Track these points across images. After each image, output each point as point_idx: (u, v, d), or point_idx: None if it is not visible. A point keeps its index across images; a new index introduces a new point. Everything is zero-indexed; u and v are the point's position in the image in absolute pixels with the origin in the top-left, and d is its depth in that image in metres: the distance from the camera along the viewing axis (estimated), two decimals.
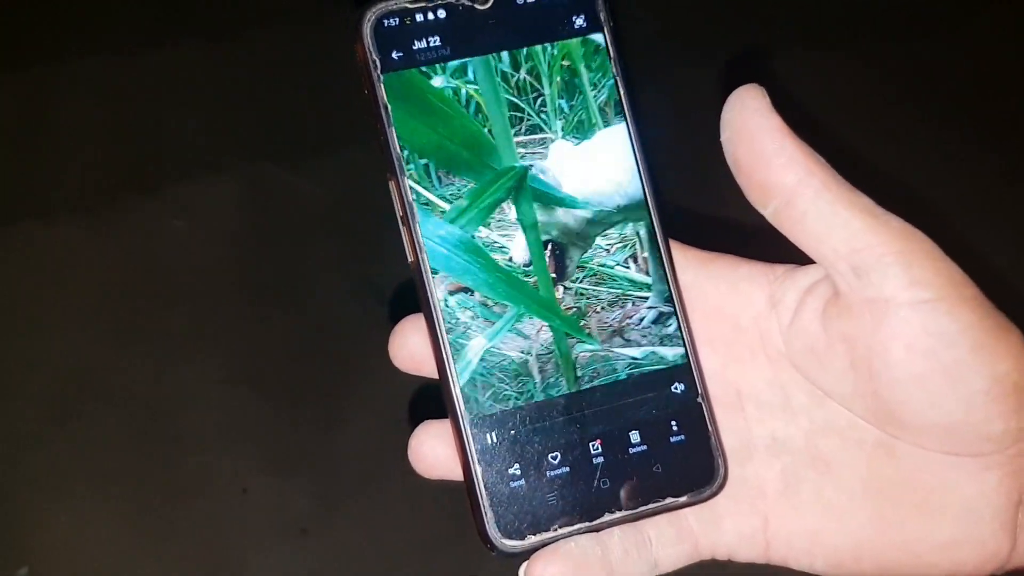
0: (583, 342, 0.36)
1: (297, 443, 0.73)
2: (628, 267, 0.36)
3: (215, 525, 0.71)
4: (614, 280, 0.36)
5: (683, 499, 0.35)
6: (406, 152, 0.35)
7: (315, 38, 0.83)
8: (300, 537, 0.71)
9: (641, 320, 0.36)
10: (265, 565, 0.70)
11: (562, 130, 0.36)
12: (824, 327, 0.33)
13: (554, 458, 0.34)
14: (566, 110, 0.36)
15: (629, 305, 0.36)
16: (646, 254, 0.36)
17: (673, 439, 0.35)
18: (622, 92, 0.36)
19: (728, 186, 0.33)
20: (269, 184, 0.79)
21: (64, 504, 0.70)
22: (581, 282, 0.36)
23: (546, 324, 0.36)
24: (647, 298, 0.36)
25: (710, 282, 0.36)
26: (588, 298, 0.36)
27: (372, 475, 0.72)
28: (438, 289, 0.35)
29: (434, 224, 0.35)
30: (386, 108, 0.35)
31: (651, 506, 0.34)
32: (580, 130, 0.36)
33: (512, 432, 0.34)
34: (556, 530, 0.34)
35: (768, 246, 0.35)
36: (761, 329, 0.35)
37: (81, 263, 0.76)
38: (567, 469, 0.34)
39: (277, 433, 0.73)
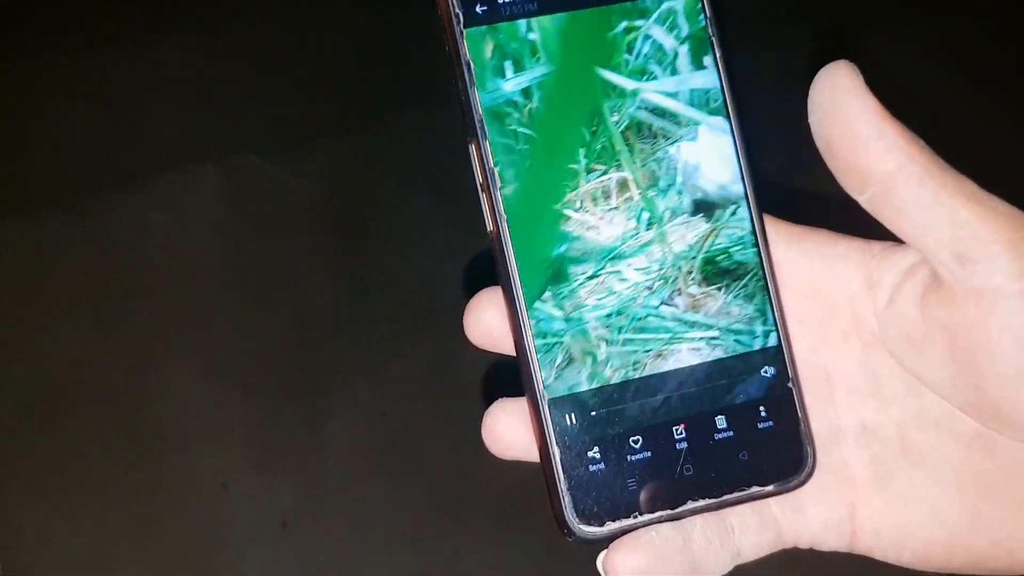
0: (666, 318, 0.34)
1: (279, 439, 0.72)
2: (673, 304, 0.34)
3: (196, 522, 0.70)
4: (659, 320, 0.34)
5: (769, 488, 0.33)
6: (488, 114, 0.33)
7: (299, 27, 0.82)
8: (281, 533, 0.70)
9: (731, 298, 0.34)
10: (247, 561, 0.70)
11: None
12: (923, 314, 0.31)
13: (635, 442, 0.33)
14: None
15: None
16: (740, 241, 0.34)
17: (761, 425, 0.34)
18: (719, 56, 0.35)
19: (821, 159, 0.32)
20: (251, 176, 0.78)
21: (41, 502, 0.69)
22: (625, 332, 0.34)
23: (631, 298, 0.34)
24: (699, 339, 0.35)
25: (803, 258, 0.34)
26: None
27: (355, 471, 0.72)
28: (517, 261, 0.33)
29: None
30: (468, 65, 0.33)
31: (736, 495, 0.33)
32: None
33: (592, 413, 0.33)
34: (636, 517, 0.33)
35: (864, 221, 0.33)
36: (856, 311, 0.34)
37: (58, 257, 0.75)
38: (649, 454, 0.33)
39: (258, 429, 0.72)
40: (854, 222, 0.34)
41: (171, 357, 0.73)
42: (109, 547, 0.68)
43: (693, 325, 0.34)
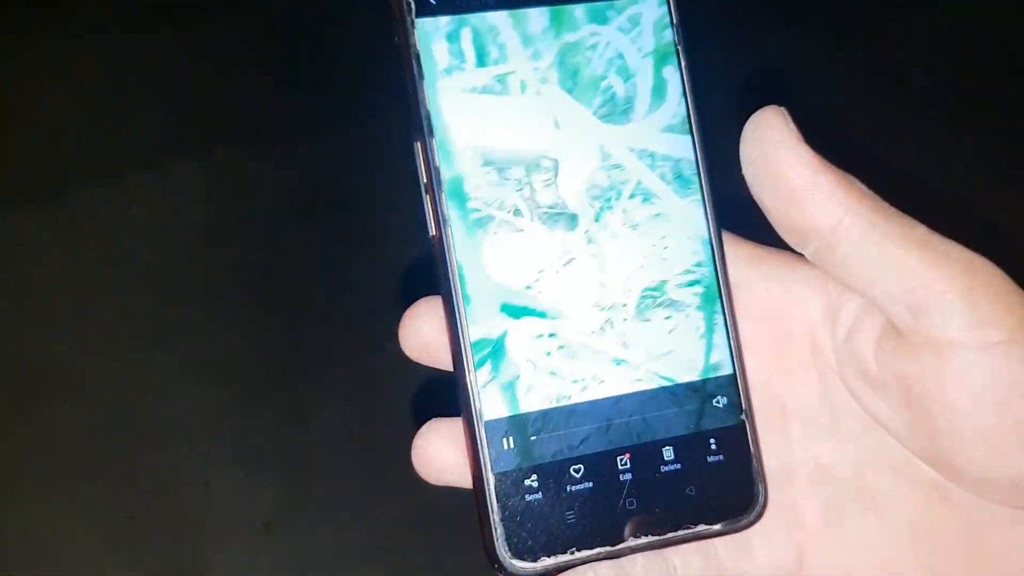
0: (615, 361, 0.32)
1: (261, 436, 0.72)
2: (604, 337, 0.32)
3: (177, 520, 0.70)
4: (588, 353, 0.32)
5: (717, 527, 0.31)
6: (436, 111, 0.31)
7: (279, 22, 0.81)
8: (264, 532, 0.70)
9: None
10: (228, 560, 0.69)
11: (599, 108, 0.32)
12: (877, 358, 0.29)
13: (576, 471, 0.31)
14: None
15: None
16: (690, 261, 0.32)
17: (710, 459, 0.31)
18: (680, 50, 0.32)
19: None
20: (232, 171, 0.77)
21: (22, 500, 0.69)
22: (553, 357, 0.32)
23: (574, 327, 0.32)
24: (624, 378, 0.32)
25: (762, 282, 0.32)
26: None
27: (338, 469, 0.71)
28: (460, 270, 0.31)
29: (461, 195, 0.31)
30: (417, 58, 0.31)
31: (680, 533, 0.31)
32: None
33: (532, 438, 0.31)
34: (573, 553, 0.30)
35: None
36: (814, 340, 0.31)
37: (36, 253, 0.74)
38: (590, 484, 0.31)
39: (241, 426, 0.72)
40: None
41: (151, 354, 0.73)
42: (88, 547, 0.68)
43: (629, 362, 0.32)
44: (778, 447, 0.32)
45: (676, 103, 0.32)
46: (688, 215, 0.32)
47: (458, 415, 0.31)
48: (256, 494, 0.70)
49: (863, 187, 0.28)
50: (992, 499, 0.29)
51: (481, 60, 0.32)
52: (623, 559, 0.31)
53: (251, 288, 0.75)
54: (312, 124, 0.78)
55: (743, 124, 0.29)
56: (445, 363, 0.32)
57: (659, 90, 0.32)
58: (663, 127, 0.32)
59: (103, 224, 0.76)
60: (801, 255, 0.30)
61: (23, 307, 0.73)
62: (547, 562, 0.30)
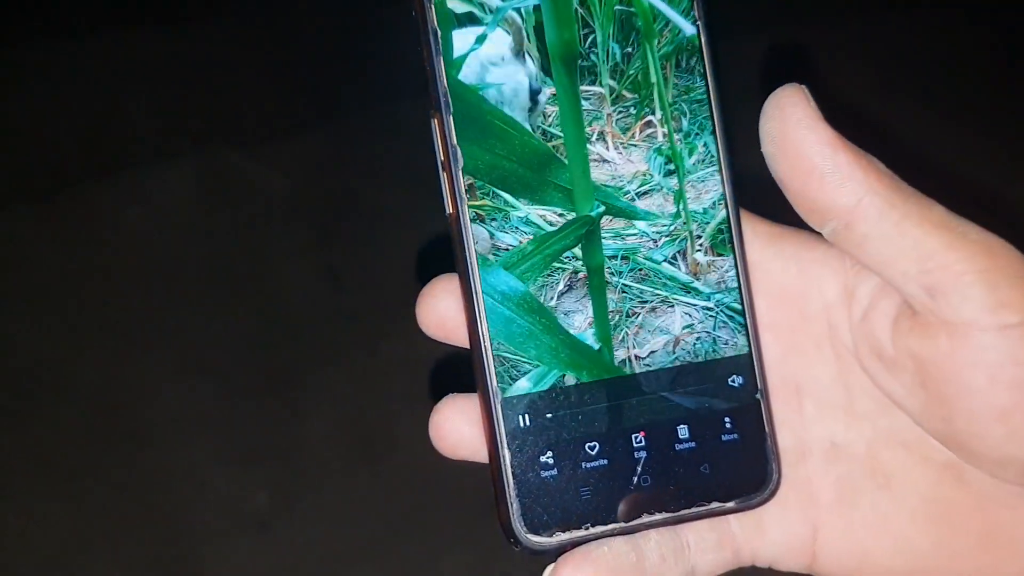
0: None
1: (256, 435, 0.72)
2: (676, 264, 0.32)
3: (172, 520, 0.69)
4: (659, 278, 0.32)
5: (730, 504, 0.31)
6: (453, 87, 0.31)
7: (273, 22, 0.81)
8: (260, 531, 0.70)
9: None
10: (224, 560, 0.69)
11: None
12: (894, 339, 0.30)
13: (591, 448, 0.31)
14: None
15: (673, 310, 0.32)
16: (704, 240, 0.32)
17: (725, 437, 0.32)
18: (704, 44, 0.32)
19: None
20: (226, 171, 0.77)
21: (14, 502, 0.68)
22: (624, 277, 0.32)
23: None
24: (693, 304, 0.32)
25: (778, 261, 0.32)
26: (631, 298, 0.32)
27: (333, 467, 0.71)
28: (476, 246, 0.31)
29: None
30: (435, 33, 0.31)
31: (695, 510, 0.31)
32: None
33: (548, 415, 0.31)
34: (587, 529, 0.30)
35: None
36: (830, 320, 0.31)
37: (30, 253, 0.74)
38: (605, 461, 0.31)
39: (235, 425, 0.72)
40: None
41: (145, 354, 0.72)
42: (83, 548, 0.68)
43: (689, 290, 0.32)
44: (792, 425, 0.32)
45: (697, 80, 0.32)
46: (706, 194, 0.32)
47: (474, 392, 0.31)
48: (250, 494, 0.70)
49: (882, 167, 0.29)
50: (1007, 479, 0.29)
51: (498, 35, 0.31)
52: (637, 535, 0.31)
53: (245, 288, 0.75)
54: (305, 124, 0.78)
55: (764, 100, 0.30)
56: (462, 340, 0.32)
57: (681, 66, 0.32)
58: (683, 101, 0.32)
59: (95, 224, 0.76)
60: (818, 235, 0.31)
61: (15, 308, 0.73)
62: (562, 537, 0.30)
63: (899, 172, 0.29)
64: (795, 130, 0.28)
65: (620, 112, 0.32)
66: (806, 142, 0.28)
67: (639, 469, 0.31)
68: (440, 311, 0.32)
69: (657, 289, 0.32)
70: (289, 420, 0.72)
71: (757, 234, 0.32)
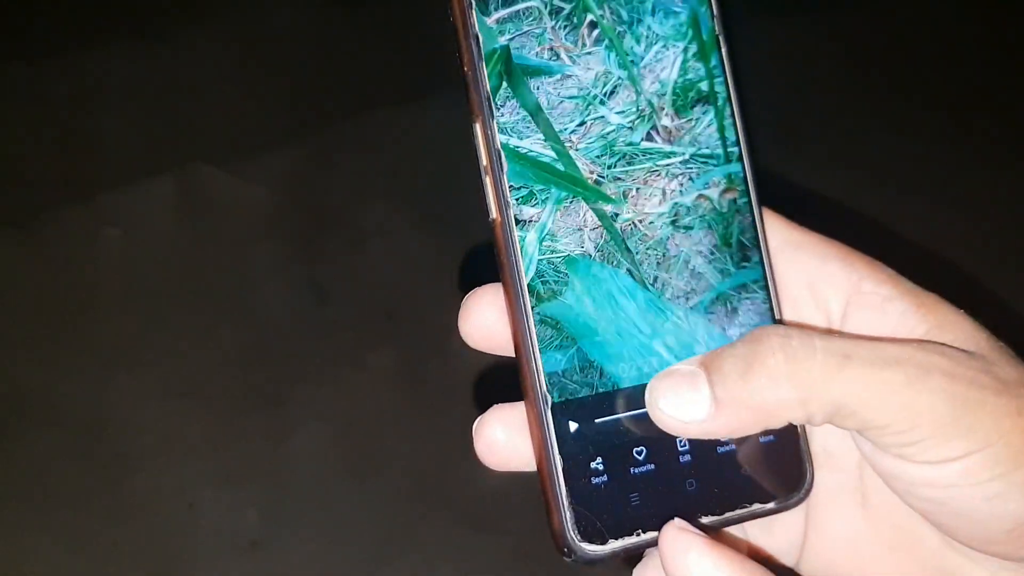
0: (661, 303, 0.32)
1: (244, 454, 0.71)
2: (653, 140, 0.32)
3: (161, 543, 0.69)
4: (644, 156, 0.32)
5: (770, 505, 0.31)
6: (496, 91, 0.30)
7: (251, 34, 0.80)
8: (250, 551, 0.69)
9: (740, 295, 0.32)
10: None
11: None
12: None
13: (639, 453, 0.31)
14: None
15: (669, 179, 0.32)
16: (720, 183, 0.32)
17: (762, 439, 0.31)
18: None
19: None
20: (206, 185, 0.77)
21: (1, 530, 0.68)
22: (615, 167, 0.32)
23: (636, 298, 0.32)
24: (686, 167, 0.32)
25: (790, 269, 0.32)
26: (629, 181, 0.32)
27: (323, 483, 0.71)
28: (524, 254, 0.30)
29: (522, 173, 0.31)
30: (476, 39, 0.30)
31: (737, 512, 0.31)
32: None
33: (597, 421, 0.30)
34: (639, 535, 0.30)
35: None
36: (832, 326, 0.32)
37: (11, 275, 0.73)
38: (652, 466, 0.31)
39: (223, 444, 0.71)
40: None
41: (129, 374, 0.72)
42: (71, 572, 0.67)
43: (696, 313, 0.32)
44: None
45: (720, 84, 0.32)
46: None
47: (512, 400, 0.31)
48: (240, 513, 0.70)
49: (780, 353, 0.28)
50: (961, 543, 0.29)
51: (539, 37, 0.31)
52: None
53: (228, 305, 0.74)
54: (283, 137, 0.78)
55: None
56: (507, 350, 0.32)
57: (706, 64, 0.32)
58: (697, 102, 0.32)
59: (76, 245, 0.75)
60: (835, 246, 0.31)
61: None
62: (615, 545, 0.30)
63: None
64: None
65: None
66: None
67: (685, 473, 0.31)
68: (488, 322, 0.32)
69: (644, 164, 0.32)
70: (277, 437, 0.71)
71: (774, 233, 0.33)
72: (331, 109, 0.78)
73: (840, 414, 0.28)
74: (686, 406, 0.29)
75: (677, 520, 0.30)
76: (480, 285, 0.32)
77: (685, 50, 0.32)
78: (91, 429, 0.70)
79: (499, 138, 0.30)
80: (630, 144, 0.32)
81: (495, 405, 0.32)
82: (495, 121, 0.30)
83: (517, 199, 0.31)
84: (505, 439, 0.31)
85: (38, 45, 0.79)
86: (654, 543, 0.30)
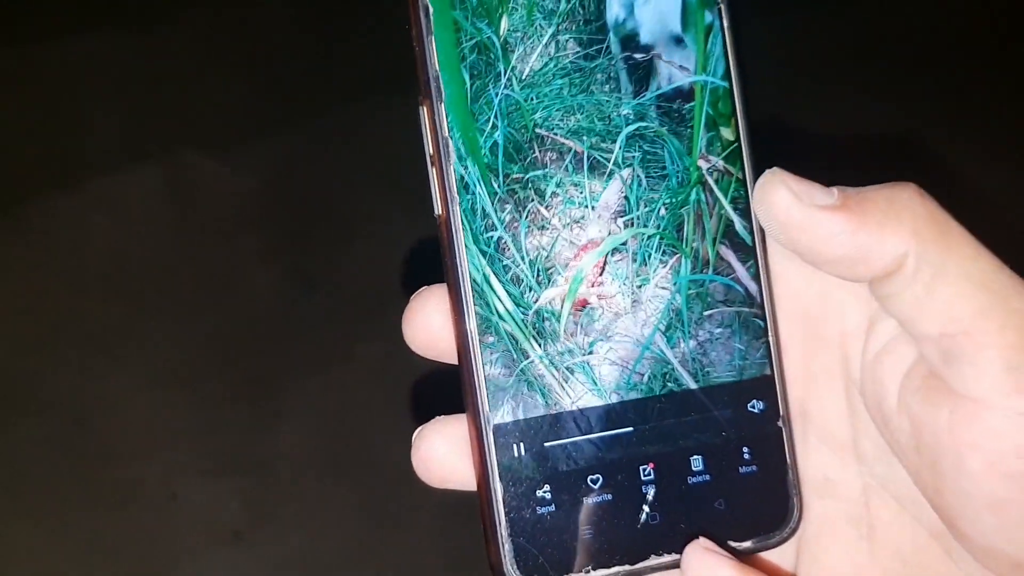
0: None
1: (228, 445, 0.70)
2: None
3: (144, 534, 0.68)
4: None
5: (747, 544, 0.28)
6: (446, 72, 0.27)
7: (237, 21, 0.79)
8: (234, 542, 0.68)
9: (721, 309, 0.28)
10: (197, 573, 0.67)
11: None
12: (899, 392, 0.26)
13: (594, 481, 0.28)
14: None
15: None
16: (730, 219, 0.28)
17: (743, 470, 0.28)
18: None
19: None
20: (192, 174, 0.76)
21: None
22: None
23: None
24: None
25: (802, 277, 0.29)
26: None
27: (307, 475, 0.69)
28: (468, 254, 0.27)
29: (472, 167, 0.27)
30: (426, 9, 0.27)
31: None
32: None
33: (546, 444, 0.27)
34: (588, 572, 0.27)
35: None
36: (845, 350, 0.28)
37: None
38: (609, 496, 0.27)
39: (206, 435, 0.70)
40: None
41: (112, 364, 0.70)
42: (53, 566, 0.66)
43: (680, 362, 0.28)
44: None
45: (722, 88, 0.29)
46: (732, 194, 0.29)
47: (462, 412, 0.28)
48: (224, 504, 0.69)
49: (921, 207, 0.25)
50: (991, 569, 0.26)
51: (498, 11, 0.27)
52: None
53: (216, 294, 0.73)
54: (274, 124, 0.77)
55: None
56: (454, 358, 0.29)
57: (705, 49, 0.28)
58: (687, 105, 0.29)
59: (62, 233, 0.74)
60: None
61: None
62: None
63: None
64: (787, 216, 0.26)
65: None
66: (803, 221, 0.26)
67: (647, 505, 0.28)
68: (433, 327, 0.29)
69: (610, 364, 0.29)
70: (262, 428, 0.70)
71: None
72: (321, 98, 0.77)
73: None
74: (813, 191, 0.26)
75: (702, 540, 0.27)
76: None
77: None
78: (74, 418, 0.69)
79: (447, 124, 0.27)
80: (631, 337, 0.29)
81: (438, 417, 0.29)
82: (443, 104, 0.27)
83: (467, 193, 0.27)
84: (444, 455, 0.28)
85: (25, 31, 0.78)
86: None
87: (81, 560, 0.67)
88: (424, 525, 0.69)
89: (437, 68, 0.27)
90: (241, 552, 0.68)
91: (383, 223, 0.74)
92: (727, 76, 0.28)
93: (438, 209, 0.28)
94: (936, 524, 0.27)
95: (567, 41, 0.28)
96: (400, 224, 0.74)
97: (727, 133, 0.28)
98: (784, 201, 0.26)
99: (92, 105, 0.77)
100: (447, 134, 0.27)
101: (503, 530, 0.27)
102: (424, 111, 0.28)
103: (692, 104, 0.28)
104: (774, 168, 0.27)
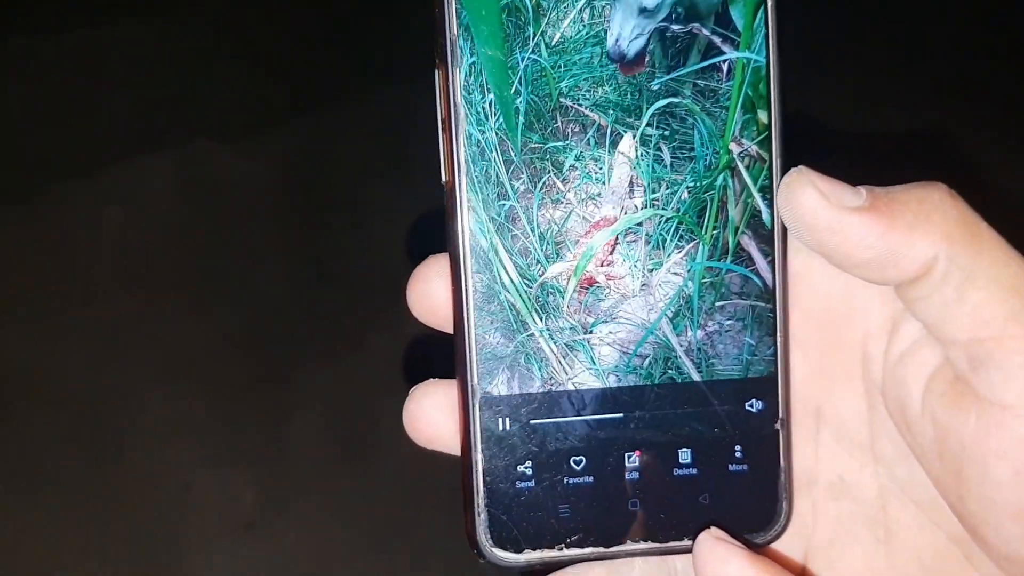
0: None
1: (241, 435, 0.70)
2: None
3: (157, 523, 0.68)
4: None
5: None
6: (465, 35, 0.26)
7: (250, 10, 0.79)
8: (246, 532, 0.68)
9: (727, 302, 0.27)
10: (210, 562, 0.67)
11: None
12: (923, 396, 0.26)
13: (577, 462, 0.28)
14: None
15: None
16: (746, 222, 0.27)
17: (732, 467, 0.28)
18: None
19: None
20: (206, 163, 0.76)
21: None
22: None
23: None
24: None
25: (823, 275, 0.28)
26: None
27: (320, 466, 0.70)
28: (477, 222, 0.27)
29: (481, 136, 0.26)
30: None
31: (684, 543, 0.28)
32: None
33: (532, 421, 0.27)
34: (560, 549, 0.27)
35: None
36: (866, 351, 0.28)
37: (9, 254, 0.72)
38: (591, 479, 0.28)
39: (220, 426, 0.70)
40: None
41: (127, 354, 0.71)
42: (68, 554, 0.66)
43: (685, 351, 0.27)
44: (804, 451, 0.29)
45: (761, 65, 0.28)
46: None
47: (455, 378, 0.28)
48: (237, 494, 0.69)
49: (952, 208, 0.25)
50: None
51: None
52: (619, 561, 0.28)
53: (228, 284, 0.73)
54: (287, 114, 0.76)
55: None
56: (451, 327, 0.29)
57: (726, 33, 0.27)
58: (701, 71, 0.28)
59: (75, 224, 0.74)
60: None
61: None
62: (531, 555, 0.28)
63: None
64: (813, 219, 0.25)
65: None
66: (830, 223, 0.25)
67: (628, 491, 0.28)
68: (433, 295, 0.29)
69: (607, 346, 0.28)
70: (275, 418, 0.70)
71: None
72: (336, 87, 0.77)
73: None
74: (842, 191, 0.25)
75: (714, 529, 0.27)
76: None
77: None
78: (88, 408, 0.69)
79: (460, 92, 0.27)
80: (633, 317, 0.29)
81: (429, 380, 0.29)
82: (458, 70, 0.26)
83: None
84: (434, 416, 0.29)
85: (37, 20, 0.78)
86: (579, 560, 0.28)
87: (96, 550, 0.67)
88: (436, 512, 0.69)
89: (455, 31, 0.26)
90: (254, 540, 0.68)
91: (396, 212, 0.74)
92: (769, 56, 0.28)
93: (445, 175, 0.28)
94: (956, 529, 0.27)
95: (603, 7, 0.27)
96: (414, 214, 0.74)
97: (763, 117, 0.27)
98: (811, 202, 0.25)
99: (104, 95, 0.77)
100: (459, 99, 0.27)
101: (480, 500, 0.28)
102: (439, 74, 0.27)
103: (731, 83, 0.27)
104: (800, 167, 0.26)
